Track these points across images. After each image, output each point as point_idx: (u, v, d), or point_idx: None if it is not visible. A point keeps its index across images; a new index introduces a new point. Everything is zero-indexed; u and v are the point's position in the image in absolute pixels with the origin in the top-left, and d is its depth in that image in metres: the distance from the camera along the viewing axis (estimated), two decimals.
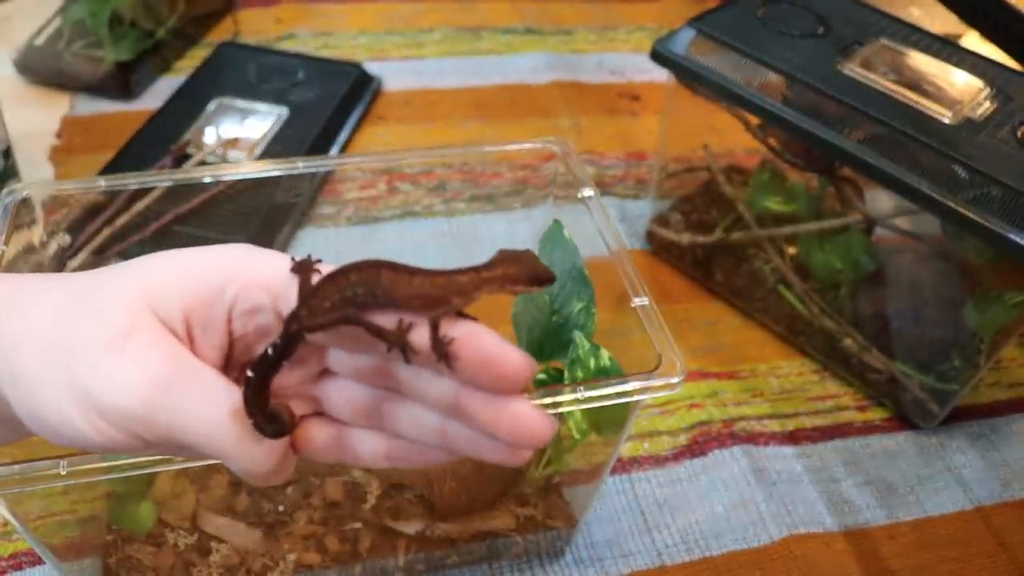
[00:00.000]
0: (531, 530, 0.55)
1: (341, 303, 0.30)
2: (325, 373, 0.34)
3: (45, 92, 0.88)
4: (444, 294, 0.31)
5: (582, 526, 0.56)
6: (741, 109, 0.68)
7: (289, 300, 0.31)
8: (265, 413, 0.31)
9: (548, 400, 0.42)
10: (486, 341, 0.29)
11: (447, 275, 0.31)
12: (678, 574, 0.56)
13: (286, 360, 0.31)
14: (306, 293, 0.31)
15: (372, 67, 0.95)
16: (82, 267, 0.65)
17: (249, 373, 0.30)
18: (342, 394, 0.33)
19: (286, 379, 0.33)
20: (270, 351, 0.30)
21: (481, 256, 0.33)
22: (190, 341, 0.32)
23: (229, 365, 0.33)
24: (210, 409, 0.30)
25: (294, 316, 0.30)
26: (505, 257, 0.33)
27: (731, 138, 0.74)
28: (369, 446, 0.33)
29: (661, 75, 0.70)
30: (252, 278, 0.32)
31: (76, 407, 0.29)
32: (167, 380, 0.30)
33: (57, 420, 0.30)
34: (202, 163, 0.77)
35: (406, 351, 0.30)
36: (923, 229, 0.67)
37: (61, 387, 0.30)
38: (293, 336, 0.30)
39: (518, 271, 0.33)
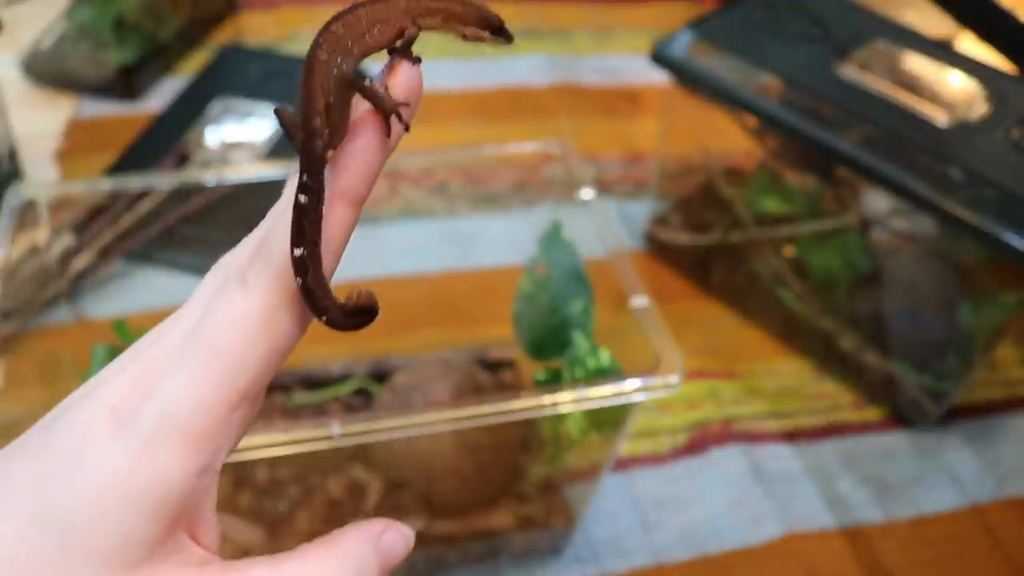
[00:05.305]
0: (530, 528, 0.56)
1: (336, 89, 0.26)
2: None
3: (50, 94, 0.89)
4: (401, 21, 0.27)
5: (581, 524, 0.57)
6: (739, 111, 0.68)
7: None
8: (336, 303, 0.25)
9: (548, 400, 0.43)
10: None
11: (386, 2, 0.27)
12: (676, 573, 0.56)
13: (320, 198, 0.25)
14: (307, 108, 0.25)
15: (373, 69, 0.96)
16: (87, 268, 0.66)
17: (296, 252, 0.24)
18: None
19: None
20: (303, 199, 0.24)
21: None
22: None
23: None
24: None
25: (312, 137, 0.25)
26: None
27: (729, 139, 0.75)
28: None
29: (660, 77, 0.70)
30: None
31: None
32: None
33: None
34: (205, 164, 0.77)
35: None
36: (919, 230, 0.68)
37: None
38: (319, 159, 0.25)
39: (464, 10, 0.29)
